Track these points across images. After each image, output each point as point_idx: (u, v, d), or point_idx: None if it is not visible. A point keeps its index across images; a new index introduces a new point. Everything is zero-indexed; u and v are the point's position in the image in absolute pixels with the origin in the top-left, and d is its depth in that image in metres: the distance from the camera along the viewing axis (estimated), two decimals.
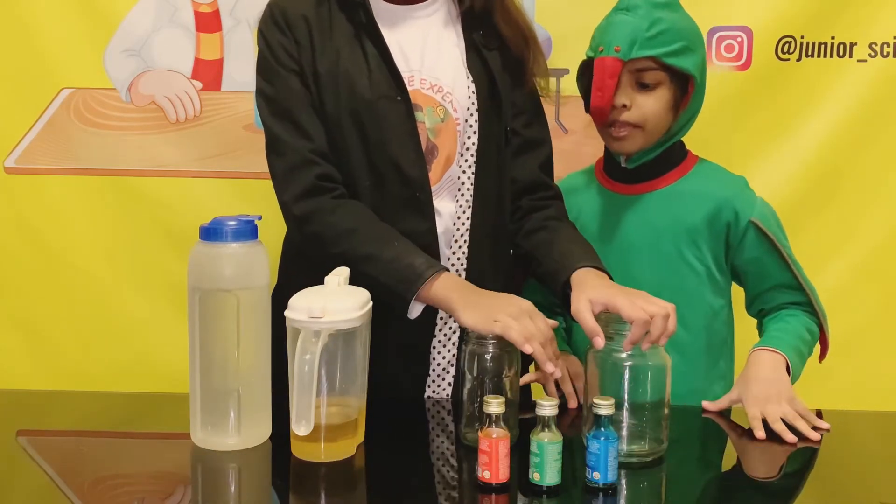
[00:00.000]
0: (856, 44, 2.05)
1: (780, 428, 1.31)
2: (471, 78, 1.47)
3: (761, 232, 1.49)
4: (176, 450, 1.30)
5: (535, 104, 1.55)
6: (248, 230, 1.25)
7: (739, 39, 2.06)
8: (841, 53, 2.06)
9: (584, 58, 1.53)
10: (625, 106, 1.47)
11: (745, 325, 1.61)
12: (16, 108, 2.14)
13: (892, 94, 2.05)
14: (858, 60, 2.05)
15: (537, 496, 1.12)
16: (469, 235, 1.47)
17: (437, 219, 1.44)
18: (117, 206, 2.16)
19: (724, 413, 1.41)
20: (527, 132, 1.53)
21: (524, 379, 1.38)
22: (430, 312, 1.44)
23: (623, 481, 1.17)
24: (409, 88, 1.42)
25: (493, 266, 1.49)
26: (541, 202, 1.53)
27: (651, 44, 1.44)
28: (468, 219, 1.47)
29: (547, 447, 1.11)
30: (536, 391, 1.56)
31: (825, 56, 2.06)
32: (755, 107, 2.08)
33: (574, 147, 2.05)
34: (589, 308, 1.26)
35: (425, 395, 1.48)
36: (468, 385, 1.26)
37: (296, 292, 1.22)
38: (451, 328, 1.48)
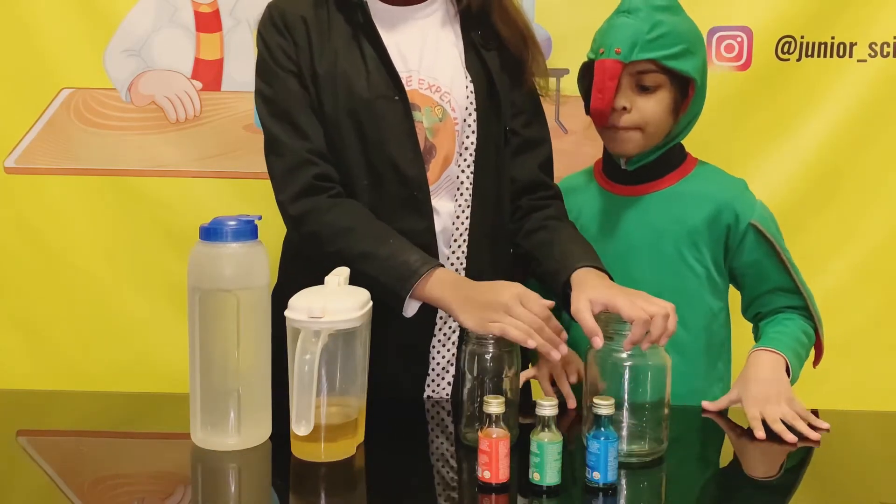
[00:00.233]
0: (856, 44, 2.05)
1: (779, 428, 1.31)
2: (469, 78, 1.47)
3: (761, 235, 1.49)
4: (176, 450, 1.30)
5: (535, 104, 1.55)
6: (248, 230, 1.25)
7: (739, 39, 2.06)
8: (841, 53, 2.06)
9: (584, 58, 1.53)
10: (625, 108, 1.47)
11: (742, 328, 1.61)
12: (16, 108, 2.14)
13: (892, 94, 2.05)
14: (858, 60, 2.05)
15: (537, 496, 1.12)
16: (468, 235, 1.47)
17: (435, 218, 1.44)
18: (117, 206, 2.16)
19: (724, 413, 1.41)
20: (526, 132, 1.53)
21: (522, 376, 1.39)
22: (430, 312, 1.44)
23: (623, 481, 1.17)
24: (406, 88, 1.42)
25: (492, 266, 1.49)
26: (541, 202, 1.53)
27: (651, 46, 1.44)
28: (467, 218, 1.47)
29: (547, 447, 1.11)
30: (536, 391, 1.57)
31: (825, 56, 2.06)
32: (755, 107, 2.07)
33: (574, 147, 2.05)
34: (589, 308, 1.26)
35: (425, 395, 1.48)
36: (468, 385, 1.26)
37: (296, 292, 1.22)
38: (450, 328, 1.48)
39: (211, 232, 1.24)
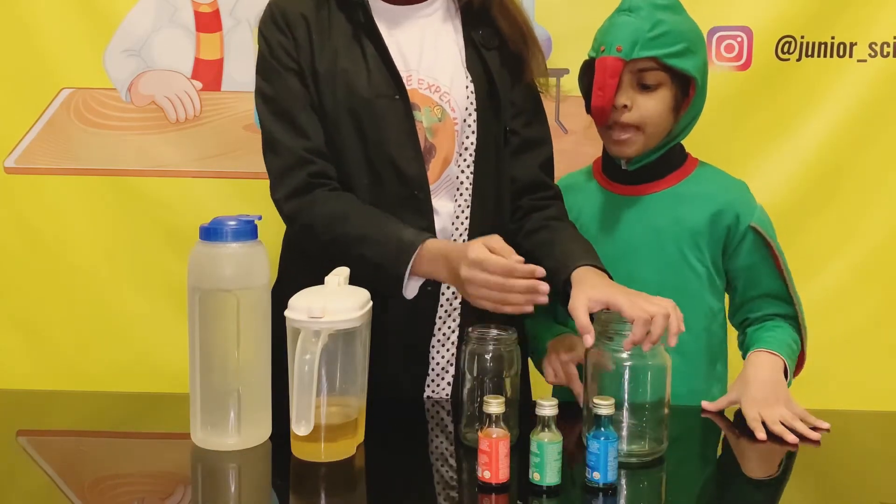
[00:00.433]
0: (856, 44, 2.05)
1: (779, 430, 1.31)
2: (469, 78, 1.47)
3: (760, 238, 1.49)
4: (176, 450, 1.30)
5: (535, 103, 1.55)
6: (248, 230, 1.25)
7: (739, 39, 2.06)
8: (841, 53, 2.06)
9: (584, 57, 1.53)
10: (625, 106, 1.47)
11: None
12: (16, 108, 2.14)
13: (892, 94, 2.05)
14: (858, 60, 2.05)
15: (537, 496, 1.12)
16: (467, 235, 1.47)
17: (435, 218, 1.44)
18: (117, 206, 2.16)
19: (724, 413, 1.41)
20: (527, 132, 1.53)
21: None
22: (430, 312, 1.44)
23: (623, 481, 1.17)
24: (406, 88, 1.42)
25: None
26: (541, 202, 1.53)
27: (652, 44, 1.44)
28: (466, 218, 1.47)
29: (547, 447, 1.11)
30: (536, 391, 1.57)
31: (825, 56, 2.06)
32: (755, 107, 2.08)
33: (574, 147, 2.05)
34: (586, 306, 1.25)
35: (425, 395, 1.48)
36: (468, 385, 1.26)
37: (296, 292, 1.22)
38: (449, 328, 1.48)
39: (211, 232, 1.24)
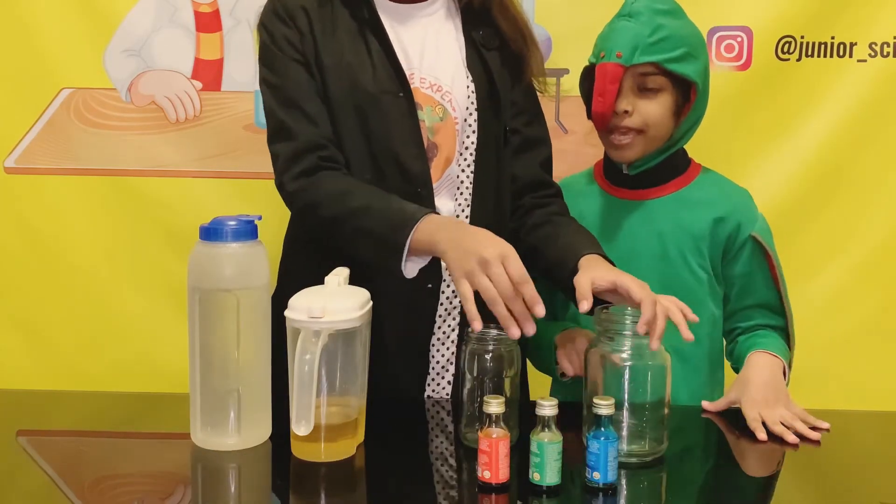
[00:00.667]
0: (856, 44, 2.05)
1: (779, 430, 1.31)
2: (470, 77, 1.47)
3: (759, 247, 1.49)
4: (176, 450, 1.30)
5: (535, 103, 1.55)
6: (248, 230, 1.25)
7: (739, 39, 2.06)
8: (841, 53, 2.06)
9: (584, 58, 1.53)
10: (626, 112, 1.47)
11: None
12: (16, 108, 2.14)
13: (892, 94, 2.05)
14: (858, 60, 2.05)
15: (537, 496, 1.12)
16: None
17: None
18: (117, 206, 2.16)
19: (724, 413, 1.41)
20: (528, 131, 1.53)
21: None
22: (429, 310, 1.44)
23: (623, 481, 1.17)
24: (410, 86, 1.42)
25: None
26: (543, 199, 1.53)
27: (653, 49, 1.44)
28: (467, 217, 1.47)
29: (547, 447, 1.11)
30: (535, 392, 1.57)
31: (825, 56, 2.06)
32: (755, 107, 2.08)
33: (575, 147, 2.05)
34: (590, 281, 1.25)
35: (425, 395, 1.48)
36: (468, 385, 1.26)
37: (296, 292, 1.22)
38: (449, 326, 1.48)
39: (211, 232, 1.24)
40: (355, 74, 1.41)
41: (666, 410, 1.24)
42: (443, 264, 1.36)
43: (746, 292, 1.52)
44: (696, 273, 1.51)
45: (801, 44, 2.06)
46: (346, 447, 1.23)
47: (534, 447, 1.12)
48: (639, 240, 1.53)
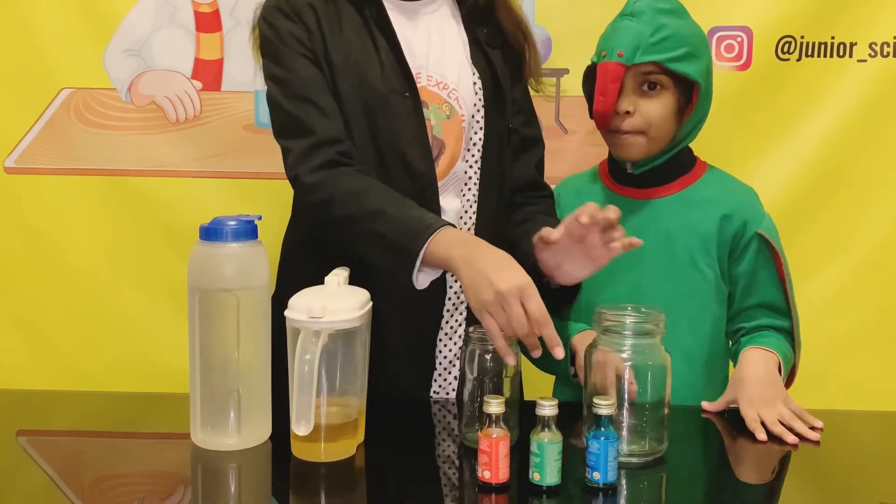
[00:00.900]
0: (856, 44, 2.05)
1: (779, 430, 1.31)
2: (476, 74, 1.47)
3: (766, 245, 1.48)
4: (176, 450, 1.30)
5: (531, 103, 1.57)
6: (248, 230, 1.25)
7: (739, 39, 2.06)
8: (841, 53, 2.06)
9: (584, 58, 1.54)
10: (628, 112, 1.47)
11: None
12: (16, 108, 2.14)
13: (892, 94, 2.05)
14: (858, 60, 2.05)
15: (537, 496, 1.12)
16: (474, 231, 1.47)
17: (441, 216, 1.44)
18: (117, 206, 2.16)
19: (724, 413, 1.41)
20: (526, 130, 1.54)
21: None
22: (437, 304, 1.44)
23: (623, 481, 1.17)
24: (417, 85, 1.42)
25: None
26: (535, 199, 1.54)
27: (654, 49, 1.44)
28: (474, 213, 1.47)
29: (547, 447, 1.11)
30: (536, 391, 1.56)
31: (825, 56, 2.06)
32: (755, 107, 2.07)
33: (577, 147, 2.04)
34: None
35: (431, 391, 1.48)
36: (468, 385, 1.26)
37: (295, 292, 1.22)
38: (456, 321, 1.48)
39: (211, 232, 1.24)
40: (364, 72, 1.40)
41: (666, 410, 1.24)
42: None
43: (750, 291, 1.51)
44: (704, 272, 1.50)
45: (801, 44, 2.05)
46: (346, 447, 1.23)
47: (534, 447, 1.12)
48: (645, 239, 1.52)
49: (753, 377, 1.39)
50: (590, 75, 1.52)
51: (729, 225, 1.50)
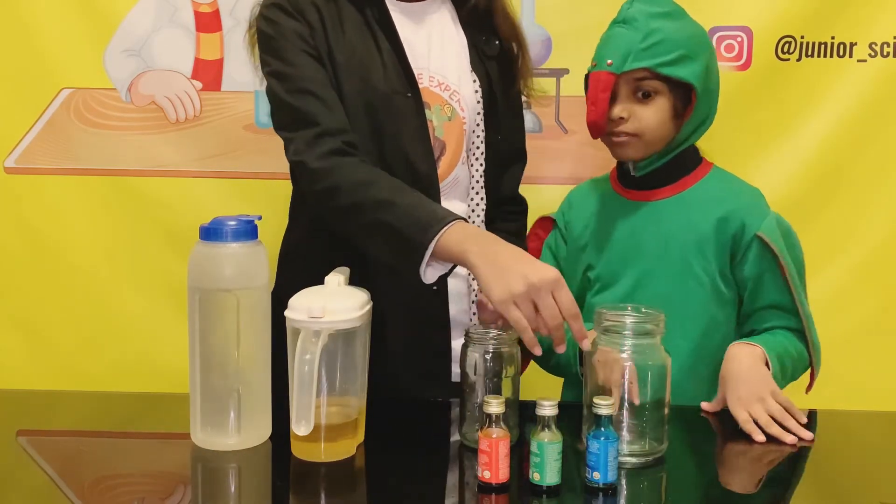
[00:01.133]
0: (856, 44, 2.05)
1: (776, 432, 1.31)
2: (476, 79, 1.48)
3: (766, 248, 1.47)
4: (176, 450, 1.30)
5: (521, 113, 1.58)
6: (248, 230, 1.25)
7: (739, 39, 2.06)
8: (841, 53, 2.06)
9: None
10: (622, 119, 1.47)
11: None
12: (16, 108, 2.14)
13: (892, 94, 2.05)
14: (858, 60, 2.05)
15: (537, 496, 1.12)
16: None
17: None
18: (117, 206, 2.16)
19: (723, 414, 1.41)
20: (515, 142, 1.57)
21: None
22: (437, 303, 1.45)
23: (623, 481, 1.17)
24: (419, 86, 1.43)
25: None
26: (510, 215, 1.57)
27: (644, 55, 1.44)
28: (481, 213, 1.48)
29: (547, 447, 1.11)
30: (535, 391, 1.56)
31: (825, 56, 2.06)
32: (755, 107, 2.07)
33: (575, 147, 2.04)
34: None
35: (431, 391, 1.47)
36: (468, 385, 1.26)
37: (295, 292, 1.22)
38: (457, 320, 1.48)
39: (211, 232, 1.24)
40: (367, 72, 1.40)
41: (666, 410, 1.24)
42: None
43: (758, 294, 1.50)
44: (698, 276, 1.50)
45: (801, 44, 2.06)
46: (346, 447, 1.23)
47: (534, 447, 1.12)
48: (645, 241, 1.52)
49: (737, 373, 1.38)
50: (586, 83, 1.53)
51: (727, 227, 1.49)
